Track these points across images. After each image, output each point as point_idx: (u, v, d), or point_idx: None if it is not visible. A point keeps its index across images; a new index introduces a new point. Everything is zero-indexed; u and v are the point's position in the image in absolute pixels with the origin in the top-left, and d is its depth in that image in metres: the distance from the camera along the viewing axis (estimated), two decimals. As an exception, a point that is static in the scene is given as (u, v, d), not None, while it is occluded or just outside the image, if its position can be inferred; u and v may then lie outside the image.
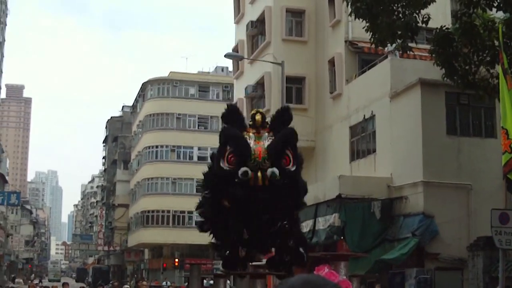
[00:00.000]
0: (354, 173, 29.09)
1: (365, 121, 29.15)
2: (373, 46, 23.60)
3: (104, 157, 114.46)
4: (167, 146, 70.40)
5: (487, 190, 24.29)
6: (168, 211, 68.99)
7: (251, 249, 10.63)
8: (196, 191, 66.84)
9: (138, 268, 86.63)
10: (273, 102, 33.11)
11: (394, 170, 26.54)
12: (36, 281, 69.80)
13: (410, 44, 22.12)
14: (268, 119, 10.98)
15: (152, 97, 72.60)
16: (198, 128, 70.56)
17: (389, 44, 23.24)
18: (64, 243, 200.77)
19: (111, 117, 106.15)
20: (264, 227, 10.54)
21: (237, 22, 41.21)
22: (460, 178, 24.91)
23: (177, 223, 68.43)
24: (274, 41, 34.62)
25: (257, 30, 37.12)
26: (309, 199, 28.64)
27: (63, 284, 30.82)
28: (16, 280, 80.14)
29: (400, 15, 21.21)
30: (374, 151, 28.34)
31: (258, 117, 10.69)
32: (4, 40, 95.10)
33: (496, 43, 19.18)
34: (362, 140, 29.69)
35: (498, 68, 18.13)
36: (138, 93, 79.01)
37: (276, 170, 10.01)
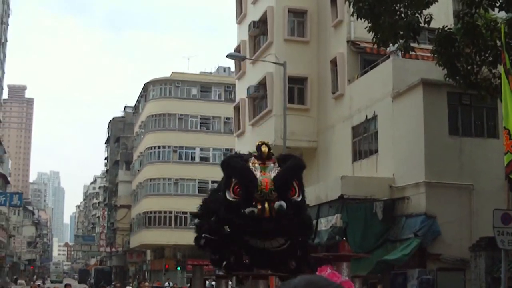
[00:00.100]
0: (356, 173, 29.07)
1: (367, 121, 29.12)
2: (375, 46, 23.61)
3: (106, 158, 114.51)
4: (169, 147, 70.38)
5: (489, 191, 24.24)
6: (170, 212, 68.97)
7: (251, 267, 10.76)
8: (198, 192, 66.95)
9: (140, 269, 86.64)
10: (275, 103, 33.11)
11: (396, 171, 26.52)
12: (38, 282, 69.78)
13: (412, 44, 22.11)
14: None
15: (154, 98, 72.59)
16: (200, 128, 70.53)
17: (391, 44, 23.24)
18: (66, 244, 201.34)
19: (113, 118, 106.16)
20: (265, 253, 10.69)
21: (239, 22, 41.20)
22: (462, 179, 24.87)
23: (179, 224, 68.39)
24: (276, 41, 34.60)
25: (259, 30, 37.10)
26: (311, 199, 28.73)
27: (65, 285, 30.86)
28: (19, 281, 79.99)
29: (402, 15, 21.21)
30: (376, 151, 28.32)
31: (264, 148, 10.79)
32: (6, 40, 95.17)
33: (498, 43, 19.15)
34: (364, 140, 29.66)
35: (500, 68, 18.11)
36: (140, 93, 79.01)
37: (283, 203, 10.15)
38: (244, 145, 33.76)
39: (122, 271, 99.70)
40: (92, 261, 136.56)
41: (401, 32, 21.42)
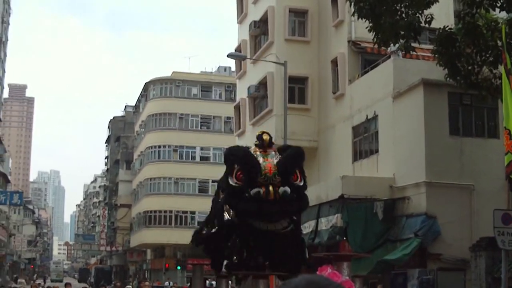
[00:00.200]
0: (357, 173, 29.08)
1: (367, 121, 29.12)
2: (376, 46, 23.61)
3: (106, 157, 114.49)
4: (169, 146, 70.38)
5: (490, 191, 24.25)
6: (171, 211, 68.98)
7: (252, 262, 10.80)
8: (199, 191, 67.01)
9: (141, 269, 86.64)
10: (276, 102, 33.11)
11: (396, 171, 26.52)
12: (39, 281, 69.80)
13: (413, 44, 22.11)
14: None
15: (154, 97, 72.59)
16: (200, 128, 70.51)
17: (392, 44, 23.24)
18: (66, 243, 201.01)
19: (114, 117, 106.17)
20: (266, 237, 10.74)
21: (240, 22, 41.20)
22: (463, 179, 24.87)
23: (179, 223, 68.40)
24: (277, 41, 34.60)
25: (260, 30, 37.10)
26: (311, 199, 28.59)
27: (66, 284, 30.82)
28: (19, 280, 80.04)
29: (403, 15, 21.21)
30: (377, 151, 28.32)
31: (265, 136, 10.97)
32: (7, 39, 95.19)
33: (499, 43, 19.14)
34: (365, 140, 29.66)
35: (501, 69, 18.12)
36: (141, 93, 79.01)
37: (288, 189, 10.27)
38: (245, 145, 33.72)
39: (122, 270, 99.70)
40: (92, 260, 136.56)
41: (402, 32, 21.42)
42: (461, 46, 21.28)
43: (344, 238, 25.83)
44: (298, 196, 10.62)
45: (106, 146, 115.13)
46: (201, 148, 69.63)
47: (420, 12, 21.15)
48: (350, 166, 30.09)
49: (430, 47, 24.66)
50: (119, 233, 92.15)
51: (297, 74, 33.17)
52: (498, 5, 20.61)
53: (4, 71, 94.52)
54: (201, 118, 70.76)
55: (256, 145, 10.91)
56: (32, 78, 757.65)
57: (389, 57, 28.09)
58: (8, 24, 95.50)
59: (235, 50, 39.65)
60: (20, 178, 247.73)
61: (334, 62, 32.59)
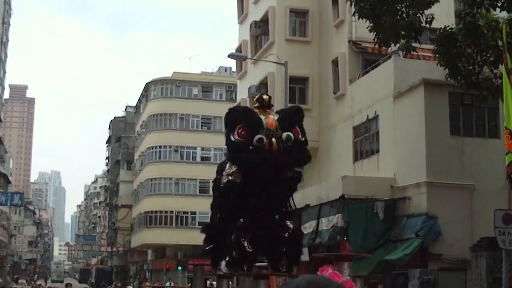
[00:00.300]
0: (358, 173, 29.07)
1: (368, 121, 29.11)
2: (376, 46, 23.61)
3: (107, 158, 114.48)
4: (170, 147, 70.39)
5: (491, 191, 24.24)
6: (171, 212, 68.98)
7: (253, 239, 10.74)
8: (200, 192, 67.00)
9: (141, 269, 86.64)
10: (277, 102, 33.01)
11: (397, 171, 26.51)
12: (39, 282, 69.80)
13: (413, 44, 22.10)
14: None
15: (155, 98, 72.59)
16: (201, 128, 70.52)
17: (392, 44, 23.24)
18: (67, 244, 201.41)
19: (114, 118, 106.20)
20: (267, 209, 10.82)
21: (240, 22, 41.21)
22: (464, 179, 24.86)
23: (180, 224, 68.41)
24: (277, 41, 34.60)
25: (260, 30, 37.10)
26: (312, 199, 28.73)
27: (66, 285, 30.84)
28: (20, 281, 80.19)
29: (404, 15, 21.20)
30: (378, 151, 28.31)
31: (265, 97, 11.00)
32: (7, 40, 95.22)
33: (500, 43, 19.13)
34: (366, 140, 29.66)
35: (502, 68, 18.11)
36: (142, 93, 79.03)
37: (291, 134, 10.27)
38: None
39: (123, 270, 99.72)
40: (93, 261, 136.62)
41: (403, 32, 21.42)
42: (462, 46, 21.27)
43: (345, 238, 25.83)
44: (300, 149, 10.69)
45: (106, 146, 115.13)
46: (202, 149, 69.65)
47: (421, 12, 21.14)
48: (350, 166, 30.08)
49: (431, 47, 24.65)
50: (119, 234, 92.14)
51: (297, 74, 33.17)
52: (499, 5, 20.60)
53: (4, 72, 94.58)
54: (201, 118, 70.76)
55: (256, 107, 10.96)
56: (32, 78, 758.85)
57: (390, 57, 28.08)
58: (9, 25, 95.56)
59: (236, 50, 39.64)
60: (21, 179, 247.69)
61: (335, 62, 32.59)
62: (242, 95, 39.22)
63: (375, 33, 21.81)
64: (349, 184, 26.41)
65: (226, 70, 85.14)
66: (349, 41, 31.77)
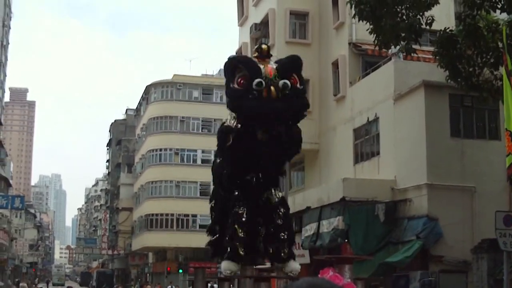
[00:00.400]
0: (358, 175, 29.05)
1: (368, 123, 29.11)
2: (376, 48, 23.58)
3: (107, 161, 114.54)
4: (170, 149, 70.41)
5: (491, 192, 24.23)
6: (172, 215, 68.98)
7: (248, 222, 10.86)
8: (200, 194, 66.95)
9: (142, 272, 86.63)
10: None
11: (398, 173, 26.50)
12: (41, 285, 69.82)
13: (414, 46, 22.10)
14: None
15: (155, 100, 72.63)
16: (202, 131, 70.51)
17: (392, 46, 23.25)
18: (68, 247, 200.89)
19: (115, 120, 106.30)
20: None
21: (240, 24, 41.20)
22: (464, 180, 24.84)
23: (181, 227, 68.40)
24: (277, 43, 34.58)
25: (260, 33, 37.09)
26: (313, 202, 28.72)
27: None
28: (21, 284, 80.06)
29: (404, 17, 21.20)
30: (378, 153, 28.30)
31: (264, 46, 11.16)
32: (8, 43, 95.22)
33: (500, 45, 19.13)
34: (366, 142, 29.65)
35: (502, 70, 18.12)
36: (142, 96, 79.08)
37: (287, 81, 10.41)
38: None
39: (124, 273, 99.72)
40: (94, 264, 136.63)
41: (403, 34, 21.42)
42: (462, 47, 21.27)
43: (346, 240, 25.79)
44: (297, 97, 10.80)
45: (107, 149, 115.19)
46: (203, 151, 69.61)
47: (421, 14, 21.14)
48: (351, 168, 30.06)
49: (431, 49, 24.65)
50: (120, 237, 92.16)
51: (298, 77, 33.13)
52: (499, 6, 20.60)
53: (5, 75, 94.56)
54: (202, 121, 70.76)
55: (255, 56, 11.10)
56: (32, 80, 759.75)
57: (390, 59, 28.08)
58: (9, 28, 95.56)
59: (236, 53, 39.60)
60: (21, 182, 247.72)
61: (335, 64, 32.58)
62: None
63: (375, 35, 21.81)
64: (350, 186, 26.40)
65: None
66: (349, 43, 31.77)
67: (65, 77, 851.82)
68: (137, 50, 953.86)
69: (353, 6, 21.64)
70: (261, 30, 36.85)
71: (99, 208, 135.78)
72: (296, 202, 29.34)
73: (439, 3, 21.24)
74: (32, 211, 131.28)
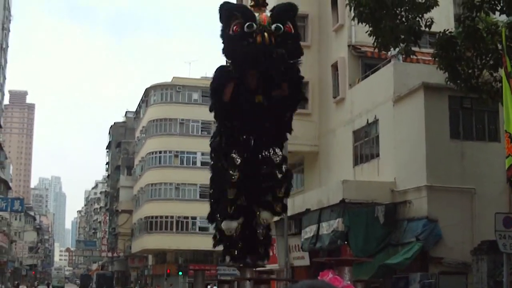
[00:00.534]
0: (358, 177, 29.04)
1: (368, 125, 29.10)
2: (376, 50, 23.58)
3: (107, 163, 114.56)
4: (170, 152, 70.43)
5: (491, 194, 24.23)
6: (172, 217, 68.99)
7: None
8: (200, 197, 66.95)
9: (142, 274, 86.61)
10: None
11: (397, 175, 26.49)
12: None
13: (413, 48, 22.07)
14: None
15: (155, 103, 72.66)
16: (201, 133, 70.47)
17: (392, 48, 23.24)
18: (68, 250, 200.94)
19: (114, 123, 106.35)
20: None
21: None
22: (464, 182, 24.83)
23: (180, 229, 68.41)
24: (277, 46, 34.55)
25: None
26: (312, 204, 28.71)
27: (67, 290, 30.79)
28: (20, 286, 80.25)
29: (403, 19, 21.19)
30: (378, 155, 28.28)
31: None
32: (7, 46, 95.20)
33: (499, 46, 19.13)
34: (366, 144, 29.63)
35: (501, 72, 18.12)
36: (141, 98, 79.12)
37: (280, 24, 10.68)
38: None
39: (123, 276, 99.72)
40: (94, 266, 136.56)
41: (402, 36, 21.40)
42: (461, 49, 21.26)
43: (346, 242, 25.80)
44: (292, 41, 11.34)
45: (107, 152, 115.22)
46: (202, 154, 69.51)
47: (420, 16, 21.13)
48: (351, 170, 30.05)
49: (431, 50, 24.64)
50: (120, 239, 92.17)
51: (297, 79, 33.11)
52: (498, 8, 20.59)
53: (4, 78, 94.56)
54: (201, 123, 70.74)
55: (252, 5, 11.26)
56: (32, 83, 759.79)
57: (390, 61, 28.08)
58: (9, 31, 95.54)
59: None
60: (21, 185, 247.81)
61: (335, 67, 32.57)
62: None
63: (374, 37, 21.79)
64: (350, 188, 26.38)
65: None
66: (348, 46, 31.75)
67: (64, 79, 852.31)
68: (137, 52, 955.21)
69: (353, 8, 21.62)
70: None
71: (98, 210, 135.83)
72: (295, 204, 29.33)
73: (438, 5, 21.22)
74: (32, 213, 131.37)
